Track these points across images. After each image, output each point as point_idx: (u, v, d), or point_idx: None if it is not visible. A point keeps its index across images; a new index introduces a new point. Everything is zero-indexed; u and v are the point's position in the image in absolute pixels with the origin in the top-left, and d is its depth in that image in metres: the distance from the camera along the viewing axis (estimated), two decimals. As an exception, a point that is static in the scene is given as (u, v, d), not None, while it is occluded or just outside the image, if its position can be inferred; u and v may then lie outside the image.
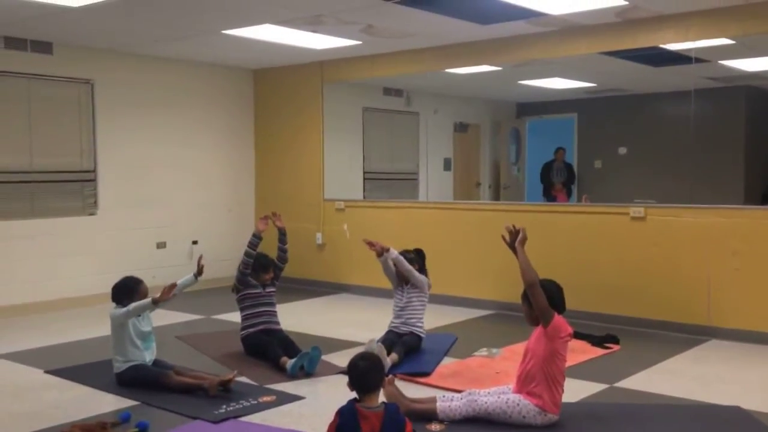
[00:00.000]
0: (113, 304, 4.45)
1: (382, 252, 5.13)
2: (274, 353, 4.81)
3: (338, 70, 7.92)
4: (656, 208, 6.02)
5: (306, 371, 4.63)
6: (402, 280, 5.24)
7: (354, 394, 2.98)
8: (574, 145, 10.10)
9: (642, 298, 6.00)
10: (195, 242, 8.07)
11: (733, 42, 5.91)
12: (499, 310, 6.71)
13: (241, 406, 4.01)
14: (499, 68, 7.42)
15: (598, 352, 5.23)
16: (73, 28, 6.37)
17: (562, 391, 3.68)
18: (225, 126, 8.46)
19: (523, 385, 3.67)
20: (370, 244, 5.14)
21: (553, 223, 6.49)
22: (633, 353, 5.21)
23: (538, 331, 3.69)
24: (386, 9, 5.61)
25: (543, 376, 3.60)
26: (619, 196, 7.65)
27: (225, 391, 4.18)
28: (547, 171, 9.86)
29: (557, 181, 9.74)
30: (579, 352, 5.09)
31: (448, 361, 4.99)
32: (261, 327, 5.11)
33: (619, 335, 5.55)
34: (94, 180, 7.34)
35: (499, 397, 3.68)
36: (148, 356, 4.46)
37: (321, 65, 8.02)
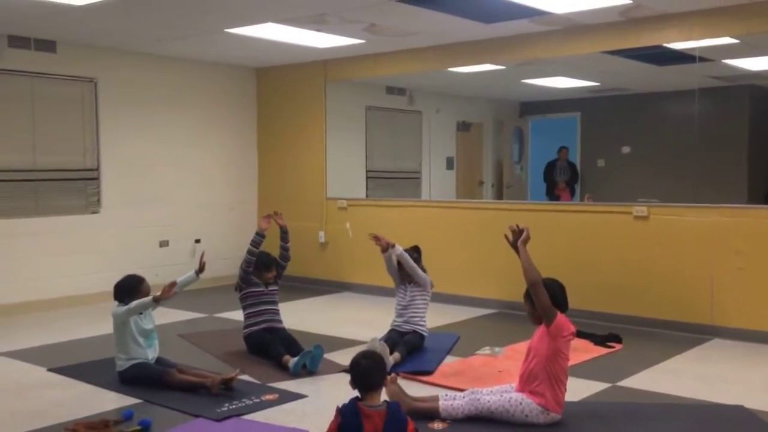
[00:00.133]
0: (116, 303, 4.46)
1: (387, 247, 5.12)
2: (276, 352, 4.81)
3: (341, 68, 7.92)
4: (659, 207, 6.01)
5: (308, 370, 4.63)
6: (404, 279, 5.24)
7: (356, 393, 2.98)
8: (577, 144, 10.09)
9: (645, 297, 5.99)
10: (198, 241, 8.08)
11: (737, 41, 5.90)
12: (501, 309, 6.71)
13: (243, 404, 4.01)
14: (502, 67, 7.41)
15: (601, 351, 5.23)
16: (76, 27, 6.37)
17: (565, 390, 3.68)
18: (228, 125, 8.47)
19: (526, 383, 3.67)
20: (376, 239, 5.14)
21: (555, 222, 6.49)
22: (636, 352, 5.20)
23: (540, 330, 3.69)
24: (389, 7, 5.60)
25: (546, 375, 3.60)
26: (622, 196, 7.65)
27: (227, 389, 4.19)
28: (550, 170, 9.85)
29: (560, 180, 9.73)
30: (582, 351, 5.09)
31: (450, 360, 4.99)
32: (264, 325, 5.12)
33: (621, 334, 5.55)
34: (97, 178, 7.35)
35: (501, 396, 3.68)
36: (151, 354, 4.47)
37: (324, 64, 8.02)
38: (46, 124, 6.95)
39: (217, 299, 7.20)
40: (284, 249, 5.40)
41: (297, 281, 7.97)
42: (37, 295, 6.85)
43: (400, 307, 5.22)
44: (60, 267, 7.03)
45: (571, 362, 3.81)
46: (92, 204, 7.35)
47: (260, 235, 5.22)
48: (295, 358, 4.64)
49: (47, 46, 6.88)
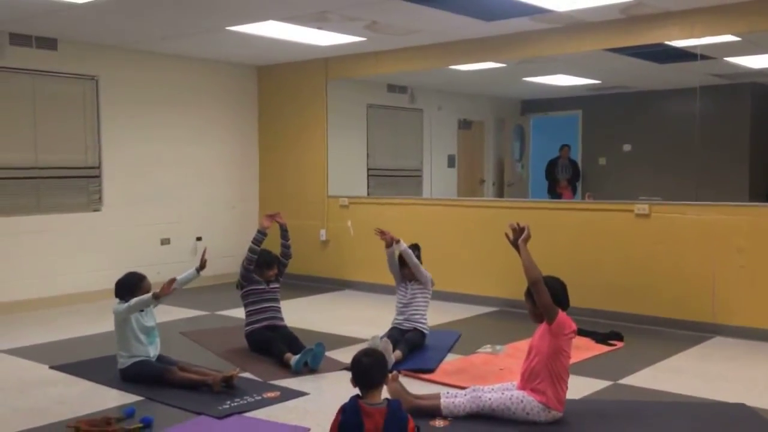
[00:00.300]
0: (117, 300, 4.47)
1: (391, 242, 5.12)
2: (278, 349, 4.81)
3: (342, 66, 7.92)
4: (661, 205, 6.01)
5: (310, 367, 4.63)
6: (405, 277, 5.24)
7: (357, 391, 2.98)
8: (579, 142, 10.09)
9: (646, 295, 5.99)
10: (199, 239, 8.08)
11: (739, 39, 5.89)
12: (502, 306, 6.71)
13: (245, 401, 4.02)
14: (504, 65, 7.41)
15: (602, 349, 5.23)
16: (77, 25, 6.37)
17: (566, 388, 3.68)
18: (229, 123, 8.47)
19: (527, 381, 3.67)
20: (381, 233, 5.14)
21: (557, 220, 6.49)
22: (637, 350, 5.20)
23: (542, 328, 3.69)
24: (391, 5, 5.60)
25: (547, 373, 3.60)
26: (623, 193, 7.65)
27: (228, 387, 4.19)
28: (552, 168, 9.85)
29: (562, 179, 9.73)
30: (583, 349, 5.09)
31: (451, 358, 4.99)
32: (265, 323, 5.12)
33: (623, 332, 5.55)
34: (98, 176, 7.36)
35: (503, 394, 3.68)
36: (152, 351, 4.47)
37: (325, 62, 8.02)
38: (48, 122, 6.96)
39: (219, 297, 7.21)
40: (285, 247, 5.40)
41: (298, 279, 7.98)
42: (39, 292, 6.85)
43: (401, 305, 5.23)
44: (62, 265, 7.04)
45: (572, 360, 3.81)
46: (94, 202, 7.36)
47: (262, 233, 5.22)
48: (297, 356, 4.65)
49: (49, 43, 6.88)
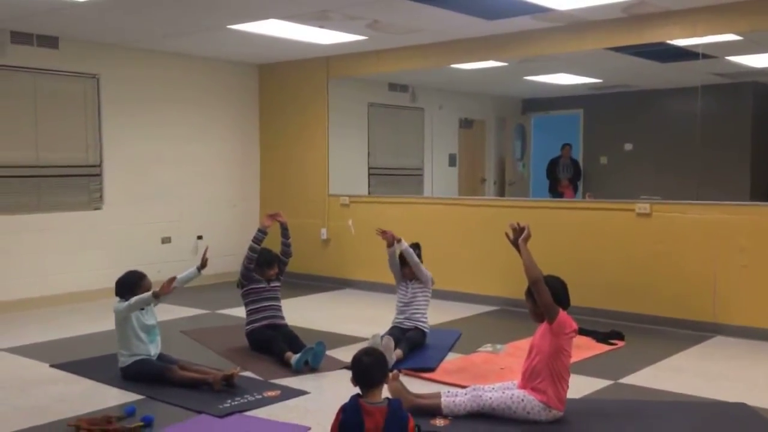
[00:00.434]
0: (117, 299, 4.47)
1: (392, 242, 5.12)
2: (278, 348, 4.81)
3: (344, 65, 7.91)
4: (662, 204, 6.00)
5: (310, 366, 4.63)
6: (406, 276, 5.24)
7: (358, 390, 2.98)
8: (580, 141, 10.07)
9: (647, 294, 5.98)
10: (200, 237, 8.08)
11: (741, 38, 5.88)
12: (503, 305, 6.71)
13: (245, 400, 4.02)
14: (505, 64, 7.40)
15: (603, 348, 5.23)
16: (78, 23, 6.37)
17: (567, 387, 3.68)
18: (230, 121, 8.47)
19: (528, 381, 3.67)
20: (383, 233, 5.14)
21: (558, 219, 6.48)
22: (638, 350, 5.20)
23: (543, 327, 3.69)
24: (392, 4, 5.60)
25: (548, 372, 3.60)
26: (624, 193, 7.64)
27: (229, 386, 4.19)
28: (553, 167, 9.84)
29: (563, 178, 9.73)
30: (584, 348, 5.08)
31: (452, 357, 4.99)
32: (266, 322, 5.12)
33: (624, 331, 5.54)
34: (99, 175, 7.36)
35: (503, 393, 3.68)
36: (153, 350, 4.47)
37: (326, 61, 8.02)
38: (49, 121, 6.96)
39: (220, 295, 7.20)
40: (285, 245, 5.40)
41: (299, 278, 7.98)
42: (40, 291, 6.86)
43: (401, 304, 5.23)
44: (62, 263, 7.04)
45: (573, 359, 3.81)
46: (95, 200, 7.36)
47: (262, 232, 5.22)
48: (297, 355, 4.64)
49: (50, 42, 6.87)
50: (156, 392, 4.15)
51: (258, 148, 8.77)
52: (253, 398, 4.06)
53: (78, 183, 7.23)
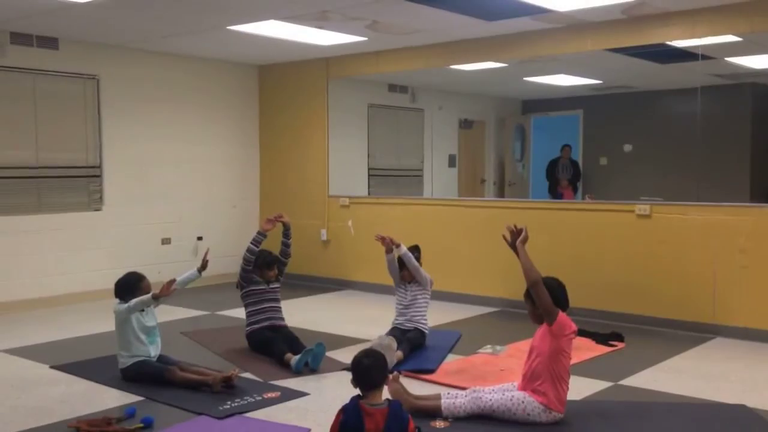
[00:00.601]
0: (117, 300, 4.47)
1: (391, 248, 5.12)
2: (278, 349, 4.81)
3: (343, 66, 7.91)
4: (662, 205, 6.00)
5: (310, 367, 4.63)
6: (405, 278, 5.24)
7: (358, 391, 2.98)
8: (580, 142, 10.08)
9: (647, 295, 5.98)
10: (200, 238, 8.08)
11: (740, 39, 5.89)
12: (503, 307, 6.70)
13: (245, 402, 4.01)
14: (505, 65, 7.40)
15: (603, 349, 5.22)
16: (78, 24, 6.37)
17: (567, 388, 3.68)
18: (230, 122, 8.47)
19: (529, 382, 3.67)
20: (381, 239, 5.14)
21: (558, 220, 6.48)
22: (638, 351, 5.20)
23: (542, 328, 3.69)
24: (392, 5, 5.60)
25: (548, 374, 3.60)
26: (624, 194, 7.65)
27: (228, 387, 4.19)
28: (553, 168, 9.85)
29: (563, 178, 9.73)
30: (584, 349, 5.08)
31: (452, 358, 4.99)
32: (266, 323, 5.12)
33: (624, 333, 5.54)
34: (99, 176, 7.36)
35: (503, 395, 3.68)
36: (153, 351, 4.47)
37: (326, 61, 8.02)
38: (49, 122, 6.96)
39: (219, 297, 7.20)
40: (285, 246, 5.40)
41: (299, 279, 7.98)
42: (40, 292, 6.86)
43: (401, 307, 5.22)
44: (62, 264, 7.04)
45: (573, 361, 3.81)
46: (94, 201, 7.36)
47: (262, 235, 5.21)
48: (297, 356, 4.64)
49: (50, 43, 6.87)
50: (156, 393, 4.15)
51: (258, 149, 8.77)
52: (253, 399, 4.05)
53: (78, 184, 7.23)
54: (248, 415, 3.84)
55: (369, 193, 8.36)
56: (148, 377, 4.33)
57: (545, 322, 3.64)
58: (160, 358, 4.49)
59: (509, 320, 6.29)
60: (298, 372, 4.58)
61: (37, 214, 6.89)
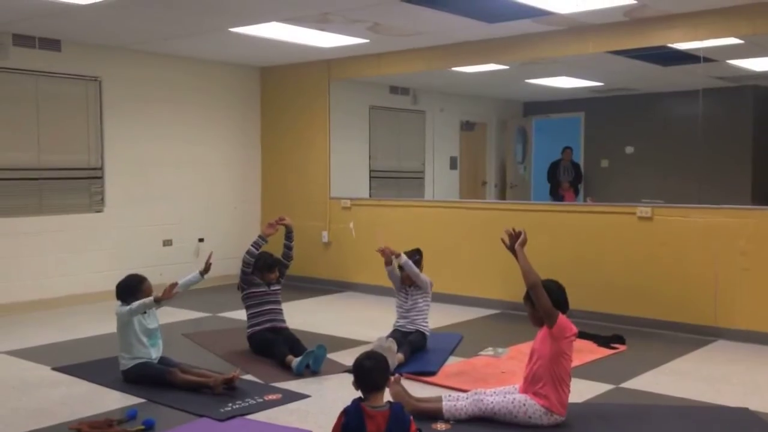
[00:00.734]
0: (118, 302, 4.47)
1: (390, 260, 5.12)
2: (279, 351, 4.81)
3: (345, 68, 7.92)
4: (663, 208, 6.00)
5: (312, 369, 4.63)
6: (405, 281, 5.23)
7: (359, 393, 2.98)
8: (581, 144, 10.08)
9: (649, 298, 5.98)
10: (201, 240, 8.09)
11: (742, 41, 5.89)
12: (504, 309, 6.70)
13: (246, 404, 4.01)
14: (506, 67, 7.40)
15: (605, 352, 5.22)
16: (81, 26, 6.38)
17: (569, 391, 3.68)
18: (232, 124, 8.47)
19: (530, 385, 3.67)
20: (381, 252, 5.14)
21: (559, 222, 6.48)
22: (639, 353, 5.20)
23: (543, 331, 3.69)
24: (393, 7, 5.60)
25: (549, 377, 3.59)
26: (626, 196, 7.63)
27: (229, 389, 4.19)
28: (554, 170, 9.84)
29: (564, 181, 9.72)
30: (585, 352, 5.08)
31: (453, 361, 4.99)
32: (267, 325, 5.12)
33: (625, 335, 5.54)
34: (101, 177, 7.36)
35: (505, 397, 3.68)
36: (154, 353, 4.47)
37: (328, 63, 8.02)
38: (51, 123, 6.96)
39: (221, 299, 7.20)
40: (288, 248, 5.40)
41: (300, 281, 7.97)
42: (41, 293, 6.86)
43: (402, 310, 5.22)
44: (64, 265, 7.04)
45: (574, 363, 3.81)
46: (96, 203, 7.36)
47: (262, 239, 5.21)
48: (299, 358, 4.64)
49: (52, 44, 6.88)
50: (157, 395, 4.15)
51: (259, 151, 8.77)
52: (254, 402, 4.05)
53: (79, 185, 7.23)
54: (249, 417, 3.84)
55: (370, 195, 8.36)
56: (149, 379, 4.33)
57: (545, 324, 3.64)
58: (162, 360, 4.49)
59: (510, 322, 6.29)
60: (299, 374, 4.58)
61: (39, 216, 6.90)
